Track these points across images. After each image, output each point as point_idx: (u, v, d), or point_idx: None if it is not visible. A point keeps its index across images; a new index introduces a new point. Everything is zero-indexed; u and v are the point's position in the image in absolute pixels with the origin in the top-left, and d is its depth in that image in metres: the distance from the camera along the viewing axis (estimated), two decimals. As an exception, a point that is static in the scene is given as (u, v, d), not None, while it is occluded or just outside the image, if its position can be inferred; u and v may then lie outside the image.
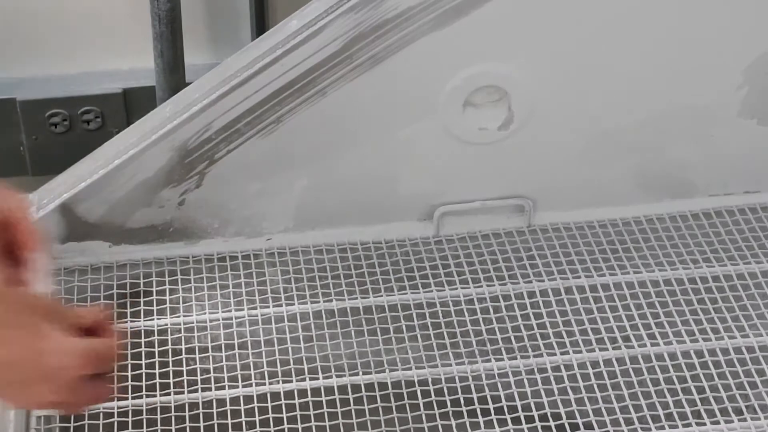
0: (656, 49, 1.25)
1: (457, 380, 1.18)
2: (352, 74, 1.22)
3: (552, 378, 1.16)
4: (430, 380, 1.17)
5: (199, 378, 1.18)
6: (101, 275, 1.28)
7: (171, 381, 1.18)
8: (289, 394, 1.17)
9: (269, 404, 1.16)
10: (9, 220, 0.97)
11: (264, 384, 1.18)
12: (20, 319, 0.88)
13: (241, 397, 1.17)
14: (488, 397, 1.11)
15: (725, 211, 1.36)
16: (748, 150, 1.36)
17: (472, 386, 1.17)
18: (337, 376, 1.18)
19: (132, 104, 1.84)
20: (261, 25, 1.94)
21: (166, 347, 1.21)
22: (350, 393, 1.16)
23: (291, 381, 1.18)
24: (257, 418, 1.14)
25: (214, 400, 1.16)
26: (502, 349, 1.19)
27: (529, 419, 1.12)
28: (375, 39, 1.20)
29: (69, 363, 0.88)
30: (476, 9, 1.19)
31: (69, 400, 0.90)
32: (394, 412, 1.12)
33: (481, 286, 1.27)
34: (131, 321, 1.23)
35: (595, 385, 1.15)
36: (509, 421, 1.12)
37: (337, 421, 1.12)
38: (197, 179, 1.27)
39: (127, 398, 1.15)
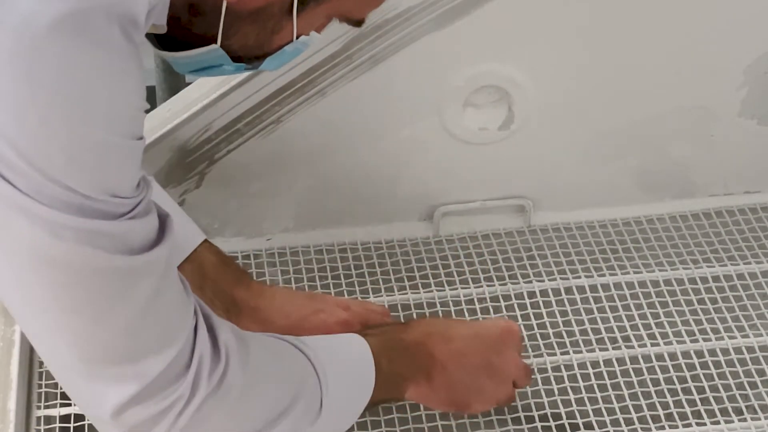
0: (656, 49, 1.25)
1: (457, 380, 1.17)
2: (352, 74, 1.22)
3: (552, 378, 1.16)
4: (430, 380, 1.17)
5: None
6: (101, 275, 1.28)
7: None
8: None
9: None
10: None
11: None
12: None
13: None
14: (488, 397, 1.10)
15: (725, 211, 1.36)
16: (748, 150, 1.36)
17: (472, 386, 1.17)
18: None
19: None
20: (261, 24, 1.94)
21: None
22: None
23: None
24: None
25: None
26: (503, 349, 1.19)
27: (529, 419, 1.12)
28: (375, 39, 1.20)
29: (524, 379, 1.09)
30: (476, 9, 1.19)
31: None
32: (395, 412, 1.12)
33: (481, 286, 1.27)
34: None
35: (595, 385, 1.15)
36: (509, 421, 1.12)
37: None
38: (197, 179, 1.27)
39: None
